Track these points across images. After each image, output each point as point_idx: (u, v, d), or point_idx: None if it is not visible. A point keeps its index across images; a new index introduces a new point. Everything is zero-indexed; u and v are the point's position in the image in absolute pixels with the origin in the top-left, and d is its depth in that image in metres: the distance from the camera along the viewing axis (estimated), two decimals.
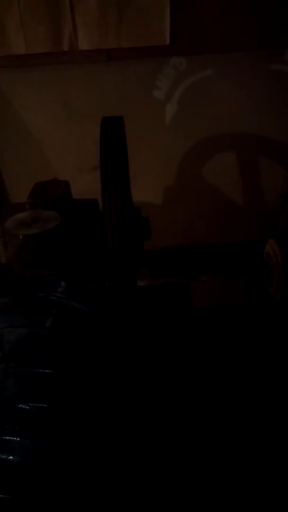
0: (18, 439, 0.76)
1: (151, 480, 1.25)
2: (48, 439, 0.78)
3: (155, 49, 1.89)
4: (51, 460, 0.78)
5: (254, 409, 1.56)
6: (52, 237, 1.25)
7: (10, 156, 2.11)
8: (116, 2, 1.79)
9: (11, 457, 0.75)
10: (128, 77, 1.98)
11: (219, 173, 2.23)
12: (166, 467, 1.31)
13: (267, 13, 1.86)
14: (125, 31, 1.84)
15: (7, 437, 0.76)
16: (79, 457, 0.83)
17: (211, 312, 2.05)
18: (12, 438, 0.76)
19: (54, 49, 1.85)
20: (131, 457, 1.02)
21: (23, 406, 0.80)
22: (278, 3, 1.85)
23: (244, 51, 1.95)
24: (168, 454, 1.35)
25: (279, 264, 2.00)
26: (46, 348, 0.94)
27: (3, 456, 0.74)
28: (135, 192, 1.62)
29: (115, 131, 1.35)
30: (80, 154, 2.06)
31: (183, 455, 1.37)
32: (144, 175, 2.08)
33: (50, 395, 0.83)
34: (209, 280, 2.31)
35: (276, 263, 2.02)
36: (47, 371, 0.87)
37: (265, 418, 1.52)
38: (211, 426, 1.47)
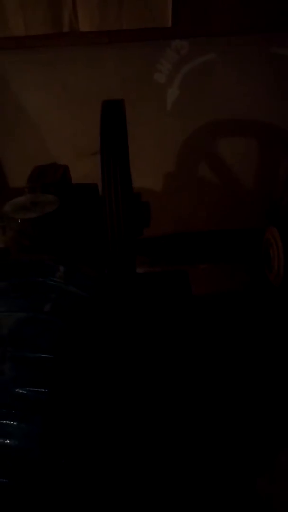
0: (15, 423, 0.76)
1: (149, 466, 1.26)
2: (43, 424, 0.78)
3: (156, 31, 1.86)
4: (48, 445, 0.78)
5: (253, 397, 1.56)
6: (51, 221, 1.23)
7: (8, 140, 2.09)
8: None
9: (8, 441, 0.74)
10: (129, 59, 1.95)
11: (220, 159, 2.21)
12: (163, 454, 1.32)
13: None
14: (127, 12, 1.81)
15: (4, 421, 0.75)
16: (77, 442, 0.83)
17: (210, 299, 2.04)
18: (9, 422, 0.76)
19: (54, 31, 1.82)
20: (129, 444, 1.02)
21: (21, 391, 0.80)
22: None
23: (246, 33, 1.92)
24: (164, 440, 1.35)
25: (279, 251, 1.99)
26: (44, 333, 0.93)
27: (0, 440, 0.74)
28: (134, 177, 1.60)
29: (116, 114, 1.33)
30: (79, 138, 2.04)
31: (180, 440, 1.37)
32: (143, 160, 2.06)
33: (49, 380, 0.83)
34: (208, 268, 2.30)
35: (276, 250, 2.01)
36: (45, 355, 0.87)
37: (264, 407, 1.52)
38: (210, 415, 1.48)
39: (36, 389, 0.81)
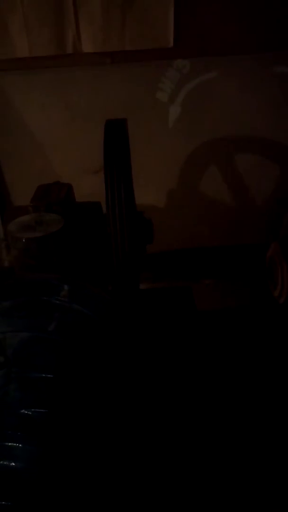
0: (20, 445, 0.75)
1: (151, 486, 1.24)
2: (48, 445, 0.78)
3: (158, 51, 1.89)
4: (52, 467, 0.77)
5: (256, 411, 1.55)
6: (55, 240, 1.24)
7: (12, 159, 2.11)
8: (120, 5, 1.78)
9: (13, 464, 0.74)
10: (132, 79, 1.97)
11: (222, 176, 2.22)
12: (165, 475, 1.30)
13: (270, 15, 1.86)
14: (129, 33, 1.84)
15: (10, 443, 0.75)
16: (80, 463, 0.82)
17: (214, 315, 2.04)
18: (15, 444, 0.76)
19: (58, 52, 1.85)
20: (131, 463, 1.01)
21: (26, 412, 0.79)
22: (281, 5, 1.84)
23: (247, 53, 1.94)
24: (168, 462, 1.34)
25: (282, 268, 1.99)
26: (47, 353, 0.93)
27: (5, 463, 0.74)
28: (136, 194, 1.62)
29: (119, 133, 1.35)
30: (82, 157, 2.05)
31: (183, 465, 1.36)
32: (146, 178, 2.06)
33: (50, 400, 0.83)
34: (212, 283, 2.30)
35: (280, 266, 2.01)
36: (49, 376, 0.87)
37: (266, 421, 1.51)
38: (213, 430, 1.46)
39: (40, 410, 0.81)
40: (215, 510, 1.26)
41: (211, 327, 1.94)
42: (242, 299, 2.18)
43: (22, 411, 0.79)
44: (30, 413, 0.79)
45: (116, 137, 1.32)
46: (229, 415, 1.53)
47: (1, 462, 0.73)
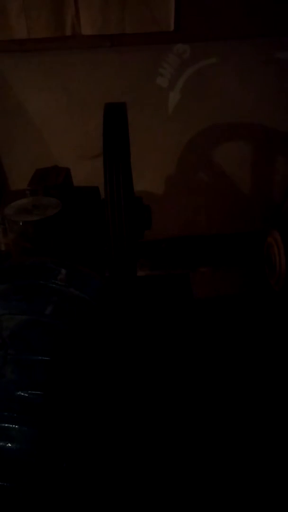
0: (16, 426, 0.76)
1: (148, 467, 1.25)
2: (44, 427, 0.78)
3: (159, 35, 1.87)
4: (49, 448, 0.78)
5: (253, 399, 1.55)
6: (53, 224, 1.23)
7: (10, 142, 2.09)
8: None
9: (9, 444, 0.74)
10: (131, 63, 1.95)
11: (221, 163, 2.21)
12: (162, 455, 1.31)
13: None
14: (129, 16, 1.82)
15: (5, 424, 0.75)
16: (77, 445, 0.83)
17: (210, 303, 2.04)
18: (10, 425, 0.76)
19: (57, 34, 1.82)
20: (127, 446, 1.02)
21: (22, 394, 0.79)
22: None
23: (248, 38, 1.93)
24: (164, 444, 1.35)
25: (280, 255, 1.99)
26: (45, 336, 0.93)
27: (1, 444, 0.74)
28: (135, 180, 1.61)
29: (118, 117, 1.33)
30: (81, 141, 2.03)
31: (179, 442, 1.37)
32: (144, 164, 2.06)
33: (46, 383, 0.83)
34: (208, 271, 2.30)
35: (278, 253, 2.01)
36: (46, 358, 0.87)
37: (264, 409, 1.52)
38: (210, 418, 1.47)
39: (35, 392, 0.81)
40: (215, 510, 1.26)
41: (207, 315, 1.94)
42: (239, 286, 2.18)
43: (18, 393, 0.79)
44: (27, 395, 0.79)
45: (115, 120, 1.31)
46: (226, 403, 1.53)
47: None
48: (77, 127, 2.02)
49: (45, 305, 1.00)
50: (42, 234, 1.22)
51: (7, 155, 2.12)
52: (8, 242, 1.28)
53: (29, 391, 0.81)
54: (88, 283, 1.09)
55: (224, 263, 2.33)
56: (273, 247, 2.06)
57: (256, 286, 2.15)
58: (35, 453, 0.75)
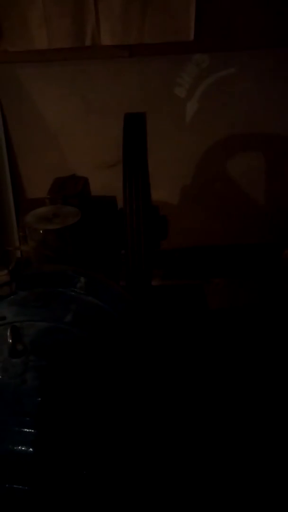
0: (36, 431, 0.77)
1: (150, 470, 1.25)
2: (61, 433, 0.79)
3: (178, 45, 1.88)
4: (68, 455, 0.79)
5: (263, 409, 1.55)
6: (72, 232, 1.25)
7: (28, 151, 2.12)
8: None
9: (31, 449, 0.75)
10: (150, 73, 1.97)
11: (237, 174, 2.21)
12: (166, 458, 1.31)
13: None
14: (148, 26, 1.83)
15: (28, 430, 0.76)
16: (94, 451, 0.83)
17: (225, 314, 2.03)
18: (31, 430, 0.77)
19: (77, 44, 1.85)
20: (134, 457, 1.02)
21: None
22: None
23: (268, 48, 1.93)
24: (169, 450, 1.35)
25: None
26: (64, 343, 0.94)
27: (23, 448, 0.75)
28: (151, 190, 1.61)
29: (138, 127, 1.35)
30: (98, 151, 2.06)
31: (185, 453, 1.37)
32: (161, 173, 2.06)
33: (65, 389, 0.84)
34: (222, 283, 2.29)
35: None
36: (63, 365, 0.87)
37: (273, 419, 1.51)
38: (220, 427, 1.46)
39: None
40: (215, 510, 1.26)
41: (221, 326, 1.93)
42: (253, 298, 2.17)
43: (39, 398, 0.80)
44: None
45: (135, 130, 1.32)
46: (236, 412, 1.52)
47: (19, 447, 0.75)
48: (94, 136, 2.05)
49: (65, 312, 1.01)
50: (62, 243, 1.23)
51: (25, 164, 2.14)
52: (27, 250, 1.30)
53: None
54: (107, 292, 1.10)
55: (238, 274, 2.32)
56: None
57: (271, 297, 2.14)
58: (54, 459, 0.77)
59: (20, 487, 0.74)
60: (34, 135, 2.08)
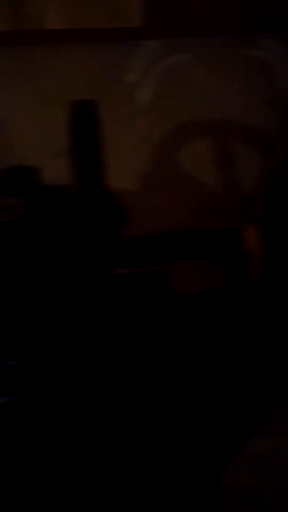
0: None
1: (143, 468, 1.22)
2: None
3: (129, 30, 1.85)
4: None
5: (234, 394, 1.56)
6: (17, 225, 1.20)
7: None
8: None
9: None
10: (99, 59, 1.92)
11: (195, 160, 2.20)
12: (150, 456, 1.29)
13: None
14: (96, 10, 1.79)
15: None
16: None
17: (190, 299, 2.03)
18: None
19: (18, 28, 1.78)
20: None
21: None
22: None
23: (221, 35, 1.92)
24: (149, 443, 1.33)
25: (257, 248, 2.01)
26: (13, 339, 0.92)
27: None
28: (109, 178, 1.58)
29: (87, 115, 1.32)
30: (47, 140, 1.98)
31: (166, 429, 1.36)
32: (118, 161, 2.02)
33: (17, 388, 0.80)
34: (187, 267, 2.29)
35: (255, 247, 2.03)
36: (13, 363, 0.87)
37: (246, 403, 1.52)
38: (194, 413, 1.46)
39: (7, 397, 0.80)
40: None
41: (187, 311, 1.94)
42: (218, 281, 2.18)
43: None
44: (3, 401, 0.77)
45: (84, 118, 1.32)
46: (208, 397, 1.53)
47: None
48: (42, 125, 1.98)
49: (13, 308, 1.01)
50: (6, 236, 1.19)
51: None
52: None
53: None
54: (58, 285, 1.07)
55: (202, 258, 2.33)
56: (249, 241, 2.07)
57: (236, 279, 2.15)
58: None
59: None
60: None
